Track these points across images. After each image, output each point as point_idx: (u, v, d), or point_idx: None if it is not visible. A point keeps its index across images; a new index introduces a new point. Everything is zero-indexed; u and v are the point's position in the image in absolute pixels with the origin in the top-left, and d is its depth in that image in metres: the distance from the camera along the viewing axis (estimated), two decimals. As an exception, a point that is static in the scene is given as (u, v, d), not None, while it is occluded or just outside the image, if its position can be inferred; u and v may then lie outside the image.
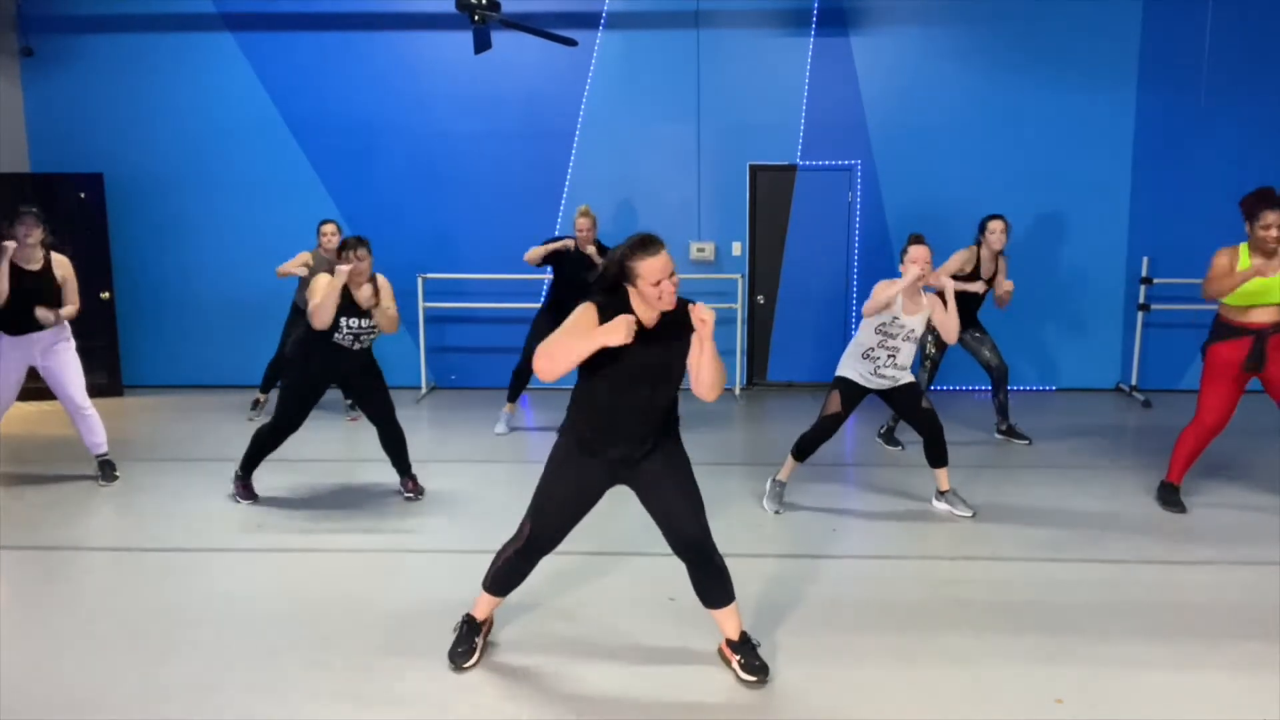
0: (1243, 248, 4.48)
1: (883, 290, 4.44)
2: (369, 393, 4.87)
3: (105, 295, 7.61)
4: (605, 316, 2.77)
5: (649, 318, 2.84)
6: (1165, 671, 3.19)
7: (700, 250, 7.77)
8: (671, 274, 2.77)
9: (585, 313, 2.81)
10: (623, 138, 7.64)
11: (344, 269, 4.48)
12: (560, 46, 6.31)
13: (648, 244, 2.77)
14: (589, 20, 7.52)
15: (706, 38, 7.50)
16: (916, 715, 2.93)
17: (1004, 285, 5.89)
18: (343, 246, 4.57)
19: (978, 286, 5.87)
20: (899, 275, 4.54)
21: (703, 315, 2.74)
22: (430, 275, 7.70)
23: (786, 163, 7.69)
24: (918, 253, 4.47)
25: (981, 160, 7.52)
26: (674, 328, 2.87)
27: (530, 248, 6.21)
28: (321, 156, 7.72)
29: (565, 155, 7.70)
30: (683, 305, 2.86)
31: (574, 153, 7.69)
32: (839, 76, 7.53)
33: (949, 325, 4.58)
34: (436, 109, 7.64)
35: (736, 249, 7.81)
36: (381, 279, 4.79)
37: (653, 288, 2.75)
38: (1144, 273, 7.59)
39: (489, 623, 3.34)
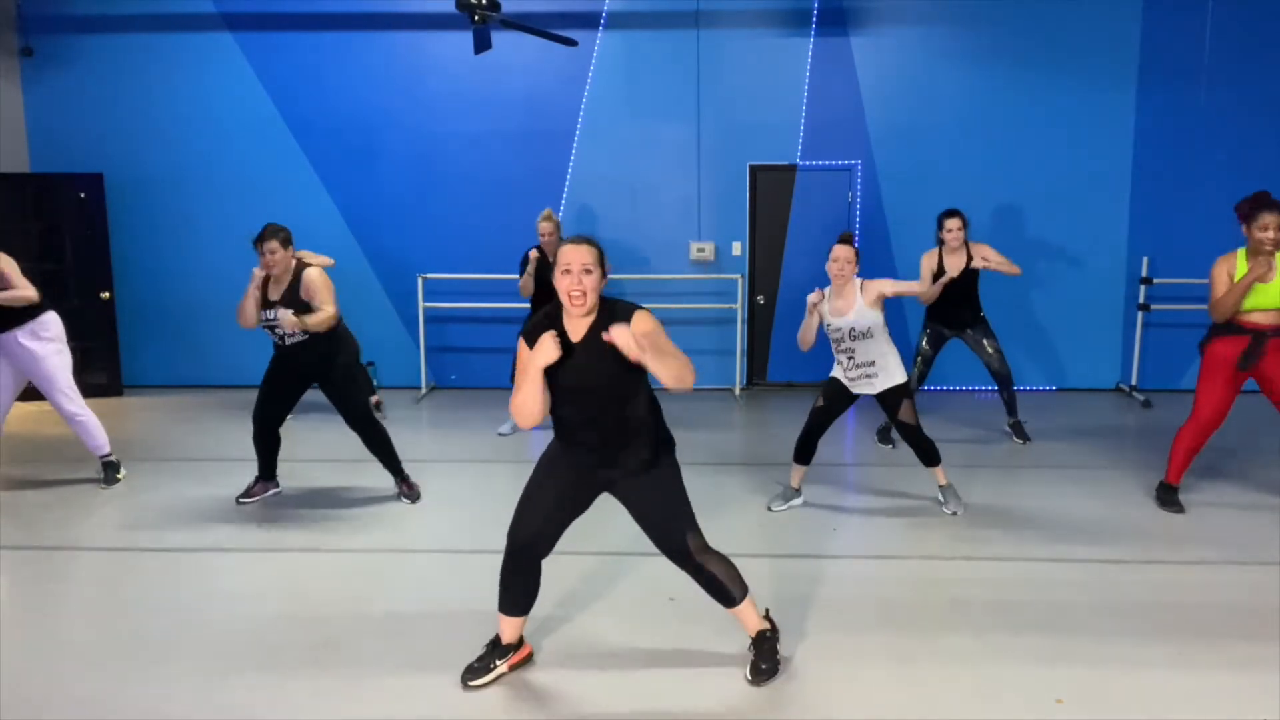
0: (1240, 254, 4.47)
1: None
2: (333, 396, 4.82)
3: (105, 295, 7.61)
4: (530, 339, 2.85)
5: (578, 326, 2.82)
6: (1165, 671, 3.19)
7: (700, 250, 7.77)
8: (586, 270, 2.74)
9: (520, 347, 2.90)
10: (623, 138, 7.64)
11: (258, 272, 4.56)
12: (560, 46, 6.31)
13: (574, 238, 2.83)
14: (589, 20, 7.53)
15: (706, 38, 7.51)
16: (916, 715, 2.93)
17: (1006, 267, 5.88)
18: (259, 239, 4.56)
19: (930, 291, 5.73)
20: (890, 276, 4.59)
21: (613, 336, 2.65)
22: (430, 275, 7.70)
23: (786, 163, 7.69)
24: (839, 251, 4.43)
25: (981, 160, 7.52)
26: (605, 342, 2.78)
27: (519, 280, 6.23)
28: (321, 156, 7.73)
29: (565, 155, 7.70)
30: (625, 311, 2.81)
31: (574, 153, 7.69)
32: (839, 76, 7.54)
33: (910, 291, 4.67)
34: (436, 109, 7.64)
35: (736, 249, 7.81)
36: (309, 274, 4.61)
37: (561, 275, 2.76)
38: (1144, 273, 7.59)
39: (525, 652, 3.24)
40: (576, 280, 2.74)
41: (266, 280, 4.64)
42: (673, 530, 2.98)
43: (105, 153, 7.66)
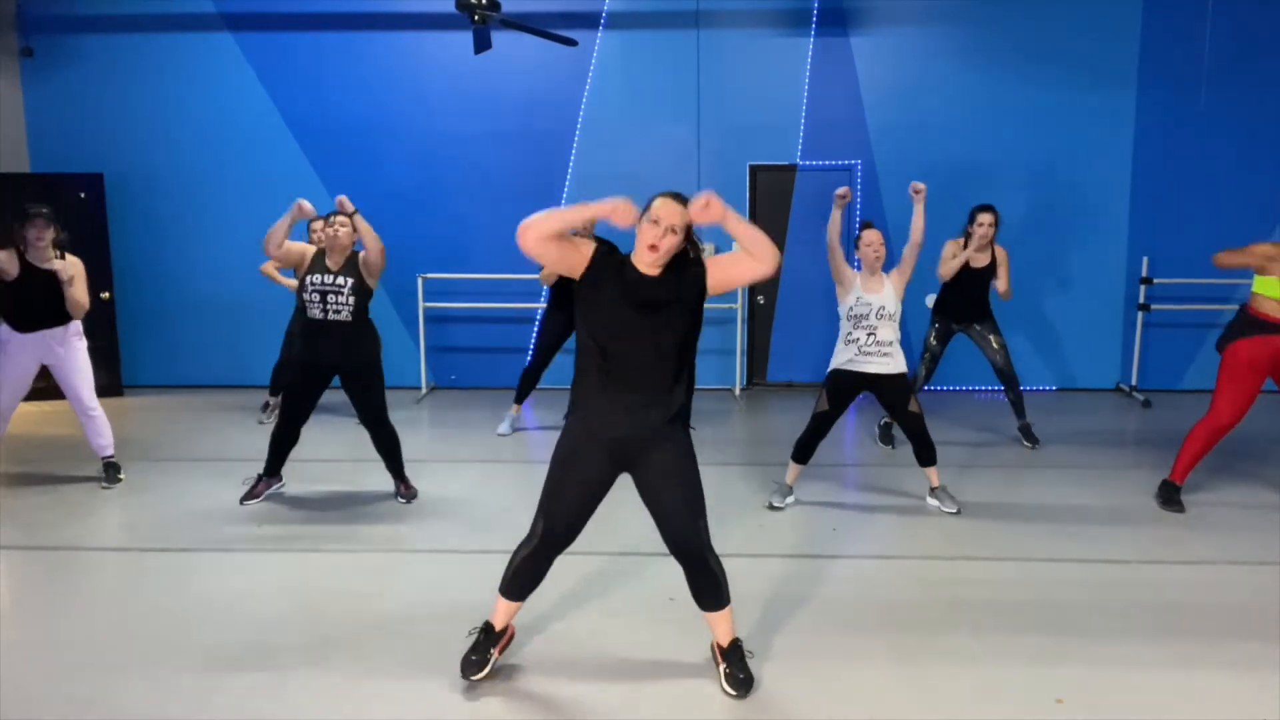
0: None
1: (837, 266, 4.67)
2: (357, 393, 4.83)
3: (105, 295, 7.61)
4: (599, 252, 2.85)
5: (645, 268, 2.84)
6: (1165, 671, 3.19)
7: (700, 251, 7.75)
8: (672, 230, 2.76)
9: (582, 240, 2.88)
10: (623, 138, 7.64)
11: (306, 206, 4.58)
12: (560, 46, 6.31)
13: (673, 195, 2.84)
14: (589, 20, 7.53)
15: (706, 38, 7.51)
16: (916, 715, 2.93)
17: (1001, 285, 5.94)
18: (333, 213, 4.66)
19: (969, 256, 5.80)
20: (857, 266, 4.80)
21: (702, 201, 2.69)
22: (430, 275, 7.70)
23: (786, 163, 7.70)
24: (870, 236, 4.66)
25: (982, 160, 7.52)
26: (675, 273, 2.86)
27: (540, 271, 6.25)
28: (321, 156, 7.72)
29: (565, 155, 7.70)
30: (686, 259, 2.88)
31: (574, 153, 7.69)
32: (839, 76, 7.54)
33: (919, 224, 4.76)
34: (436, 109, 7.64)
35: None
36: (365, 254, 4.71)
37: (649, 225, 2.78)
38: (1144, 273, 7.59)
39: (509, 635, 3.24)
40: (661, 235, 2.77)
41: (321, 251, 4.70)
42: (690, 521, 2.94)
43: (105, 153, 7.65)
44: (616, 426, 2.87)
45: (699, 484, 2.98)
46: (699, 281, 2.89)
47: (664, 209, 2.79)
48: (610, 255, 2.88)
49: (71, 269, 4.92)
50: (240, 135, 7.68)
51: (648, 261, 2.81)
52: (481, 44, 6.00)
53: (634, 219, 2.74)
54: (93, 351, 7.43)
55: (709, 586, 3.03)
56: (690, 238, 2.89)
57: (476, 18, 5.82)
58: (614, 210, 2.71)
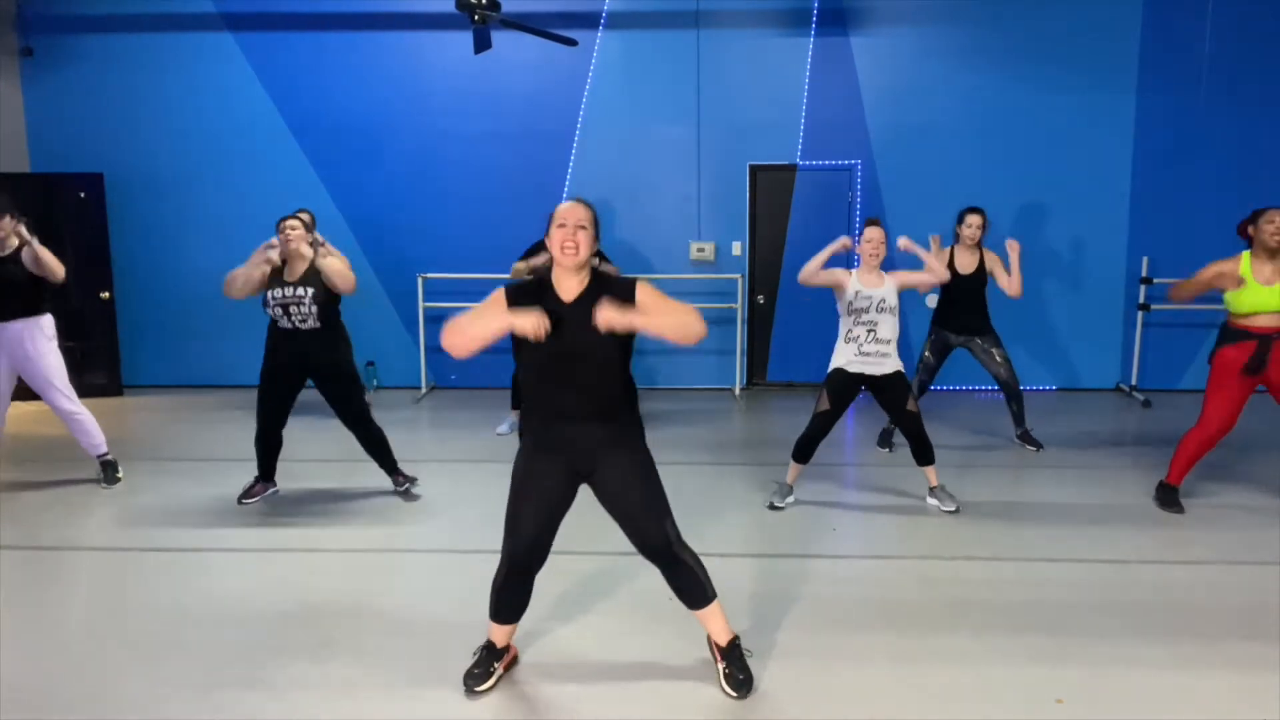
0: (1244, 257, 4.49)
1: (813, 263, 4.76)
2: (335, 399, 4.81)
3: (105, 295, 7.61)
4: (514, 300, 2.84)
5: (569, 287, 2.83)
6: (1165, 671, 3.19)
7: (700, 250, 7.77)
8: (580, 227, 2.79)
9: (495, 297, 2.88)
10: (623, 138, 7.65)
11: (270, 252, 4.61)
12: (560, 46, 6.31)
13: (572, 199, 2.91)
14: (589, 20, 7.53)
15: (706, 38, 7.51)
16: (916, 715, 2.93)
17: (1001, 280, 5.72)
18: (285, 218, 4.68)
19: (935, 274, 5.32)
20: (856, 263, 4.87)
21: (601, 319, 2.64)
22: (430, 275, 7.70)
23: (786, 163, 7.70)
24: (871, 233, 4.74)
25: (981, 160, 7.52)
26: (600, 293, 2.79)
27: (517, 262, 6.17)
28: (321, 156, 7.73)
29: (565, 155, 7.70)
30: (624, 284, 2.86)
31: (574, 153, 7.69)
32: (839, 76, 7.54)
33: (935, 268, 4.81)
34: (436, 109, 7.64)
35: (736, 249, 7.81)
36: (329, 260, 4.69)
37: (556, 229, 2.81)
38: (1144, 273, 7.59)
39: (512, 653, 3.23)
40: (571, 233, 2.79)
41: (283, 262, 4.66)
42: (652, 520, 2.92)
43: (105, 153, 7.66)
44: (566, 437, 2.89)
45: (659, 483, 2.96)
46: (628, 300, 2.81)
47: (567, 211, 2.83)
48: (523, 294, 2.86)
49: (25, 243, 4.83)
50: (240, 135, 7.68)
51: (567, 263, 2.80)
52: (481, 44, 6.00)
53: (545, 332, 2.67)
54: (93, 351, 7.51)
55: (688, 583, 3.00)
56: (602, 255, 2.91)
57: (476, 18, 5.82)
58: (526, 324, 2.65)
